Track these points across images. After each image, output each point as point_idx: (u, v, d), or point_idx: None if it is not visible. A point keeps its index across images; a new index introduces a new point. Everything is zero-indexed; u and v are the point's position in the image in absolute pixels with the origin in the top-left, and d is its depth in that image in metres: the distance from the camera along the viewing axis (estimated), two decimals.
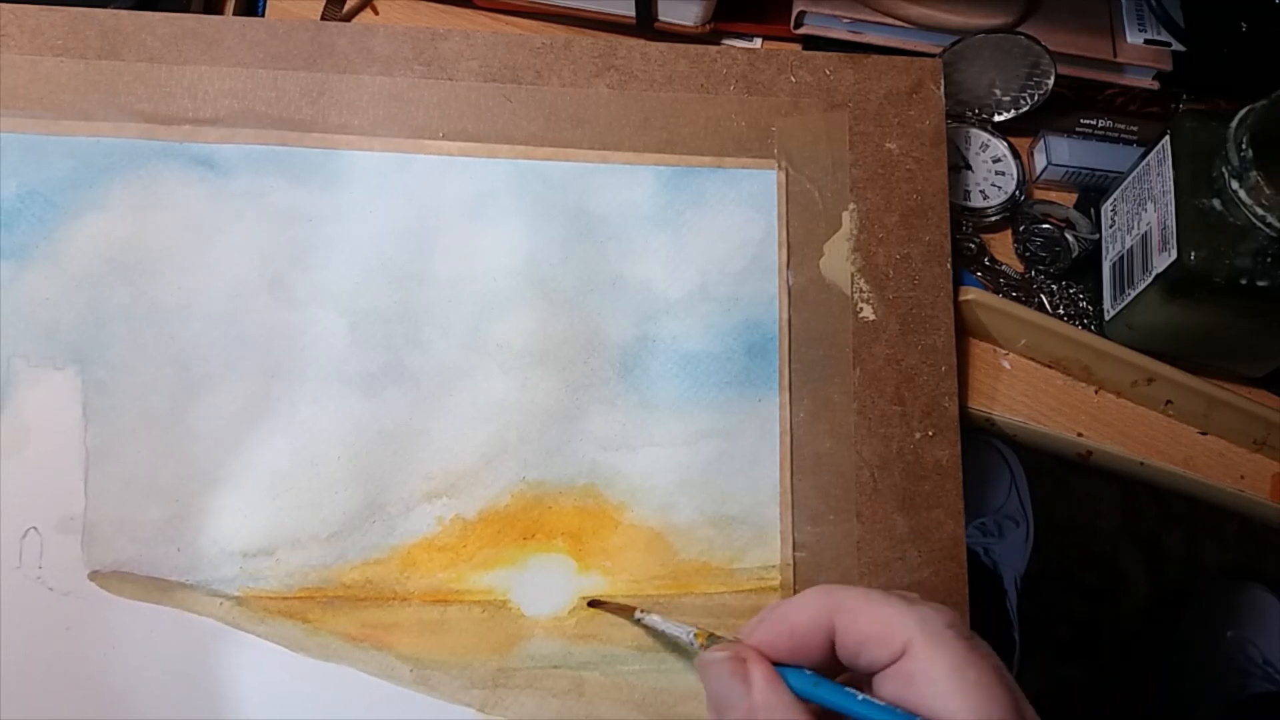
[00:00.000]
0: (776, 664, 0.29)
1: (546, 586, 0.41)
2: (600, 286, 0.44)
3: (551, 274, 0.43)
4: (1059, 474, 1.16)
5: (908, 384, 0.44)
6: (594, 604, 0.40)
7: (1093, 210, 0.53)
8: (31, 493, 0.39)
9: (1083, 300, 0.51)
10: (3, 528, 0.39)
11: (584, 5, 0.52)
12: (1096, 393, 0.51)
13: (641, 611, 0.39)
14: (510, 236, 0.44)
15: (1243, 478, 0.50)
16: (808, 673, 0.28)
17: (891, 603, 0.28)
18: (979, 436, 0.50)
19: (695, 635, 0.34)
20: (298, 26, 0.45)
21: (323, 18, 0.52)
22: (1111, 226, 0.51)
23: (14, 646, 0.38)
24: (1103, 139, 0.54)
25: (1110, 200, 0.51)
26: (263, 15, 0.52)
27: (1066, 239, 0.51)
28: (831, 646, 0.29)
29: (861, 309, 0.44)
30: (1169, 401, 0.50)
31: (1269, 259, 0.43)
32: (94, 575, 0.39)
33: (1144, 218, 0.47)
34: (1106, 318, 0.50)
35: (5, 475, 0.39)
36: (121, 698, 0.38)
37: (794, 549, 0.42)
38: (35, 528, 0.39)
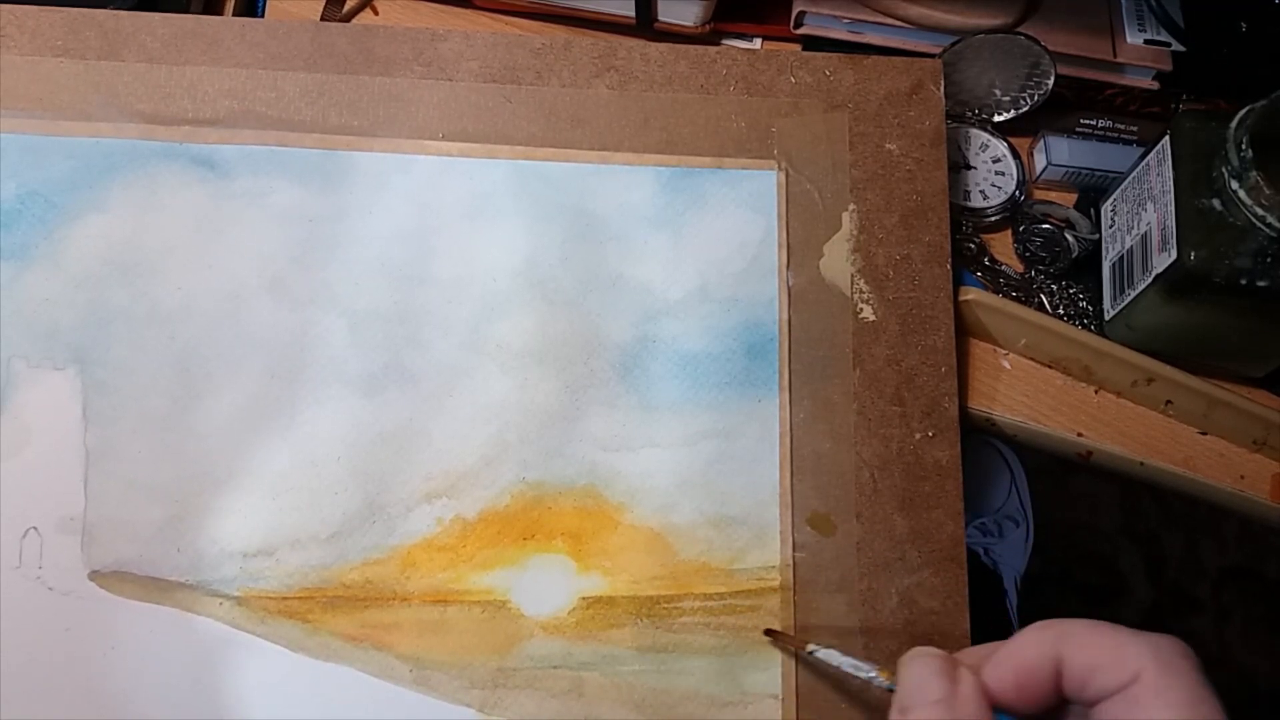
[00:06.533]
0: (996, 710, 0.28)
1: (546, 587, 0.41)
2: (600, 287, 0.44)
3: (551, 274, 0.43)
4: (1059, 474, 1.15)
5: (908, 384, 0.44)
6: (769, 633, 0.40)
7: (1093, 210, 0.53)
8: (31, 493, 0.39)
9: (1083, 300, 0.51)
10: (3, 528, 0.39)
11: (584, 5, 0.52)
12: (1096, 393, 0.51)
13: (815, 645, 0.38)
14: (510, 237, 0.44)
15: (1243, 478, 0.50)
16: None
17: (1120, 630, 0.28)
18: (979, 436, 0.50)
19: (880, 674, 0.33)
20: (298, 27, 0.45)
21: (323, 18, 0.52)
22: (1111, 226, 0.51)
23: (14, 646, 0.38)
24: (1103, 139, 0.54)
25: (1110, 200, 0.51)
26: (263, 15, 0.52)
27: (1066, 239, 0.51)
28: (1057, 684, 0.28)
29: (861, 310, 0.44)
30: (1169, 401, 0.50)
31: (1269, 259, 0.43)
32: (94, 575, 0.39)
33: (1144, 218, 0.47)
34: (1106, 318, 0.50)
35: (5, 475, 0.39)
36: (121, 698, 0.38)
37: (794, 549, 0.42)
38: (35, 528, 0.39)
